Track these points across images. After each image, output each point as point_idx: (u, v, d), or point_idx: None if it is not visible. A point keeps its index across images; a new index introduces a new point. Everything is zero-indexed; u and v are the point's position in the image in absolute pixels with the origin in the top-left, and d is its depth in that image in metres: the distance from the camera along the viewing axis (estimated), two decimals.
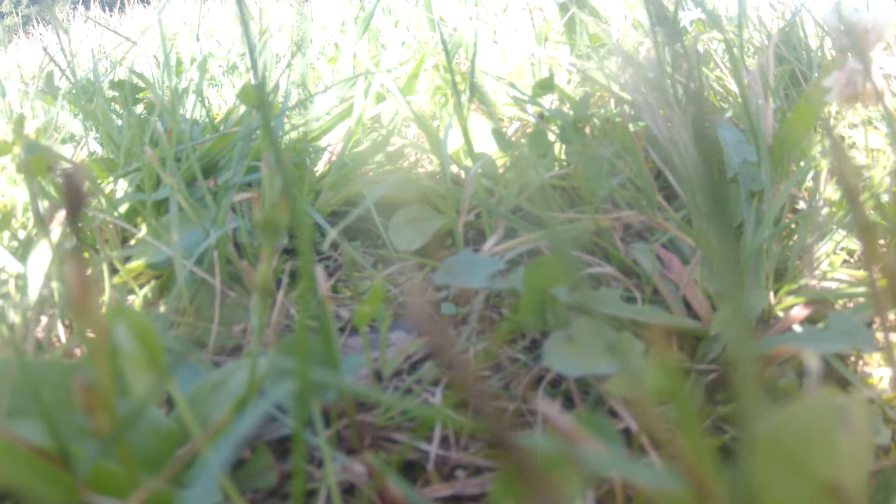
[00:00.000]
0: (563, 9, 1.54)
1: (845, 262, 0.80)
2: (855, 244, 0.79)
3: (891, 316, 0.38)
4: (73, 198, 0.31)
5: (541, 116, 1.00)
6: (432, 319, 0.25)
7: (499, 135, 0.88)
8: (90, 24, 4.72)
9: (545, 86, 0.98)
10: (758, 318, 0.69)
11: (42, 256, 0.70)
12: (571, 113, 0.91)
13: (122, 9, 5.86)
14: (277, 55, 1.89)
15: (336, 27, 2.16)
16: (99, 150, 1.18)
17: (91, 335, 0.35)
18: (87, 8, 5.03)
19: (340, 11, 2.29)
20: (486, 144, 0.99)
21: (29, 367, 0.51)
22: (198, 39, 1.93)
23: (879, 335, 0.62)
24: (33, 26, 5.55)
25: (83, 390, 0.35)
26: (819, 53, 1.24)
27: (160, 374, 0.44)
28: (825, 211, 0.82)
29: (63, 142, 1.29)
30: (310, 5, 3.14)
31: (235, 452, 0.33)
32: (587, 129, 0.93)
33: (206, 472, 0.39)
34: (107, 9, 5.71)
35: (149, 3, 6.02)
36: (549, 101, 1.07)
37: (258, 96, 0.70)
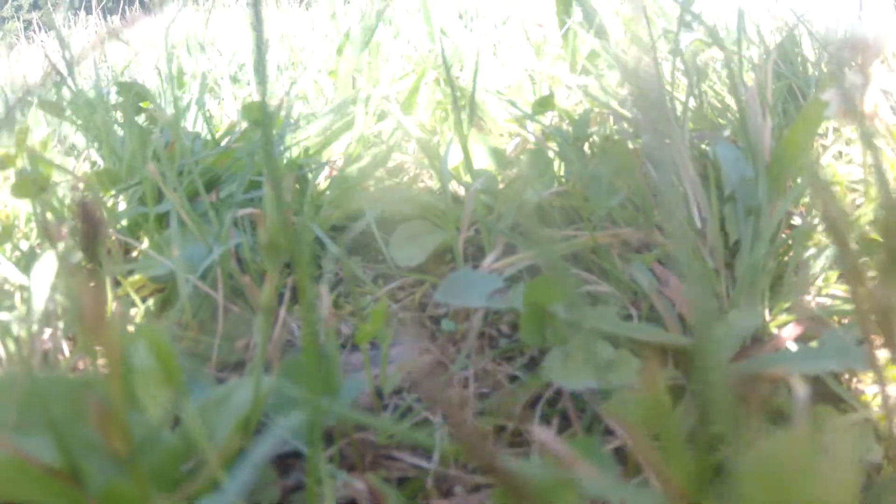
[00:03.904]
0: (563, 23, 1.55)
1: (841, 276, 0.81)
2: None
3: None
4: (90, 228, 0.32)
5: (541, 133, 1.00)
6: (428, 369, 0.26)
7: (497, 154, 0.89)
8: (91, 29, 4.74)
9: (545, 103, 0.99)
10: (752, 335, 0.70)
11: (46, 269, 0.70)
12: (571, 130, 0.92)
13: (122, 15, 5.88)
14: (279, 66, 1.90)
15: (337, 37, 2.17)
16: (101, 161, 1.19)
17: (104, 356, 0.36)
18: (89, 13, 5.04)
19: (342, 21, 2.30)
20: (486, 160, 1.00)
21: (37, 383, 0.52)
22: (202, 49, 1.94)
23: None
24: (34, 31, 5.56)
25: (98, 411, 0.36)
26: (817, 70, 1.25)
27: (177, 393, 0.45)
28: (821, 228, 0.83)
29: (66, 153, 1.30)
30: (310, 14, 3.15)
31: (251, 479, 0.34)
32: (587, 147, 0.94)
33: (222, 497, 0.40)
34: (107, 15, 5.72)
35: (150, 10, 6.04)
36: (549, 117, 1.08)
37: (261, 116, 0.71)
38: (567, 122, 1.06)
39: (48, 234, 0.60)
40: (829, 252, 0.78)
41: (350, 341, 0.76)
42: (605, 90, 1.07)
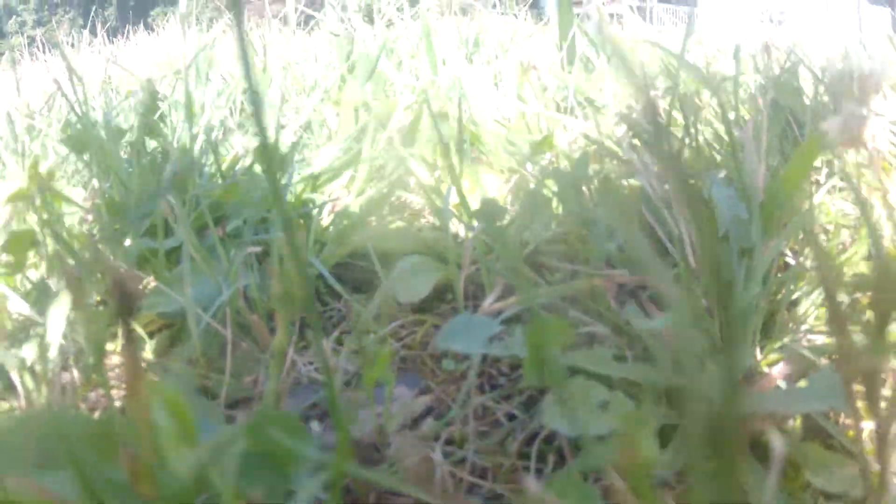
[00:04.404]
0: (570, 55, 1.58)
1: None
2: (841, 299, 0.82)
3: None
4: (126, 303, 0.34)
5: (539, 173, 1.03)
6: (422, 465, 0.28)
7: (491, 203, 0.90)
8: (96, 48, 4.77)
9: (543, 144, 1.01)
10: (744, 374, 0.72)
11: (61, 307, 0.72)
12: (570, 170, 0.94)
13: (127, 35, 5.92)
14: (283, 96, 1.92)
15: (339, 65, 2.19)
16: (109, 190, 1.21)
17: (135, 411, 0.38)
18: (94, 35, 5.07)
19: (346, 47, 2.32)
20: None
21: (57, 420, 0.54)
22: (207, 78, 1.97)
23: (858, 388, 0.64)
24: (38, 48, 5.58)
25: (128, 457, 0.38)
26: (814, 102, 1.27)
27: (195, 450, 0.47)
28: (813, 266, 0.85)
29: (75, 184, 1.32)
30: (313, 40, 3.18)
31: None
32: (585, 189, 0.96)
33: None
34: (110, 36, 5.76)
35: (152, 29, 6.08)
36: (548, 157, 1.10)
37: (270, 166, 0.73)
38: (566, 160, 1.07)
39: (64, 277, 0.62)
40: (820, 291, 0.80)
41: (353, 379, 0.78)
42: (601, 130, 1.09)
